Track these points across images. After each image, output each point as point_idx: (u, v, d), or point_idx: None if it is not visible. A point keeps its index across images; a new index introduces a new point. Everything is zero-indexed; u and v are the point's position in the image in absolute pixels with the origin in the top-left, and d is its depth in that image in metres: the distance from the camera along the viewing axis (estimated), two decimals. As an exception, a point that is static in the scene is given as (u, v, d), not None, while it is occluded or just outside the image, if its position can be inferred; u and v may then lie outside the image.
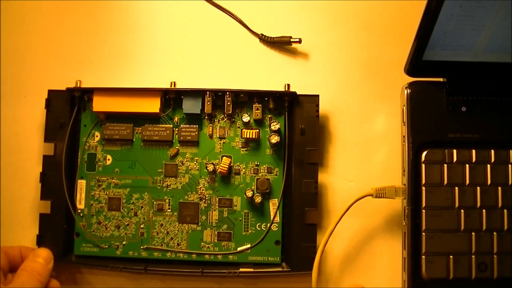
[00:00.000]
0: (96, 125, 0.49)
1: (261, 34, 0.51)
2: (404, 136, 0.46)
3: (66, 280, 0.49)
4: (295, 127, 0.47)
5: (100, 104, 0.48)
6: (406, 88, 0.46)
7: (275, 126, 0.47)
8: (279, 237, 0.47)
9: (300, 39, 0.50)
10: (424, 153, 0.45)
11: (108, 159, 0.49)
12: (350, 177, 0.49)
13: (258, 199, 0.46)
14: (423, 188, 0.45)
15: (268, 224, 0.47)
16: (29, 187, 0.50)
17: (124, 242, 0.48)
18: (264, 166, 0.48)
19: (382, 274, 0.48)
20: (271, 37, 0.50)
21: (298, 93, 0.47)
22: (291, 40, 0.50)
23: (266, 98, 0.48)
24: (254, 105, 0.48)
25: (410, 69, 0.45)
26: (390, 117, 0.50)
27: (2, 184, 0.50)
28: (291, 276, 0.47)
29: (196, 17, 0.52)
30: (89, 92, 0.48)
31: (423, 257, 0.44)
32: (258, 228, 0.47)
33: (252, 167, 0.48)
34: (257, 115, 0.47)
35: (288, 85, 0.48)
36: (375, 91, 0.50)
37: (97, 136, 0.49)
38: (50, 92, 0.49)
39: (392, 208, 0.48)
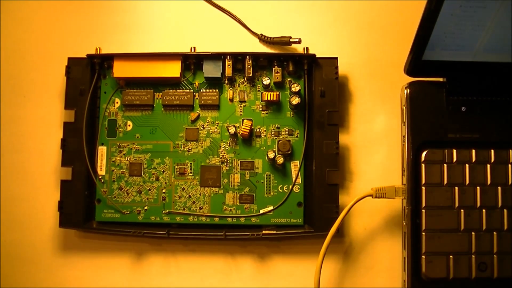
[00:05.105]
0: (116, 92, 0.49)
1: (261, 34, 0.51)
2: (404, 136, 0.46)
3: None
4: (315, 89, 0.48)
5: (120, 70, 0.48)
6: (406, 88, 0.46)
7: (296, 87, 0.47)
8: (301, 198, 0.47)
9: (300, 39, 0.49)
10: (424, 153, 0.45)
11: (129, 125, 0.49)
12: (350, 177, 0.49)
13: (280, 160, 0.47)
14: (423, 188, 0.45)
15: (290, 186, 0.47)
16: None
17: (145, 207, 0.48)
18: (285, 128, 0.48)
19: (382, 274, 0.47)
20: (271, 37, 0.50)
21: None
22: (291, 40, 0.50)
23: (285, 62, 0.48)
24: (273, 68, 0.48)
25: (410, 69, 0.45)
26: (390, 117, 0.49)
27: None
28: (314, 237, 0.47)
29: (196, 17, 0.52)
30: (109, 59, 0.49)
31: (423, 257, 0.44)
32: (280, 190, 0.47)
33: (273, 129, 0.48)
34: (277, 77, 0.48)
35: (307, 48, 0.49)
36: (375, 91, 0.50)
37: (117, 102, 0.49)
38: (70, 59, 0.49)
39: (392, 208, 0.48)
